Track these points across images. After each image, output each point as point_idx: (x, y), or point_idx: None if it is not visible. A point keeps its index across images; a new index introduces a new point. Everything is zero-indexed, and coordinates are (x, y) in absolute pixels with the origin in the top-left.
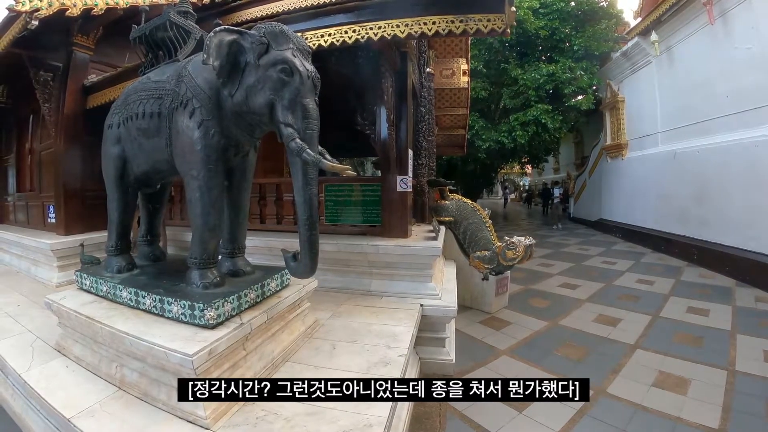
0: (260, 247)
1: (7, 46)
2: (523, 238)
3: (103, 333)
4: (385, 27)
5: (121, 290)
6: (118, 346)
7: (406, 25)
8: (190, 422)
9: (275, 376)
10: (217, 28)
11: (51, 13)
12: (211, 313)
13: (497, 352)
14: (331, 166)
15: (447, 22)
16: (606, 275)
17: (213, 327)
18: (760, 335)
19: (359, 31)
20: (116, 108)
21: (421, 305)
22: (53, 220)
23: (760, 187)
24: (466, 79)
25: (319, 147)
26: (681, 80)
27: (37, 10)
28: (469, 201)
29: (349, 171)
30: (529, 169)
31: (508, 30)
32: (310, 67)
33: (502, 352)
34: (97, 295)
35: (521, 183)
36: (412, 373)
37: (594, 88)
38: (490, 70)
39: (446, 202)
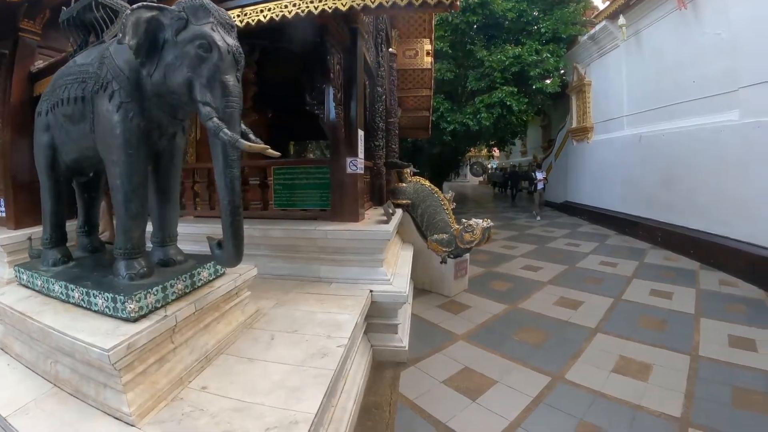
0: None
1: None
2: (481, 221)
3: (35, 329)
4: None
5: (53, 284)
6: (49, 342)
7: None
8: (117, 419)
9: (208, 369)
10: (136, 5)
11: None
12: (132, 306)
13: (454, 337)
14: (248, 146)
15: None
16: (570, 257)
17: (135, 320)
18: (725, 319)
19: (299, 4)
20: (45, 94)
21: (371, 291)
22: (3, 214)
23: (726, 171)
24: (429, 59)
25: (243, 126)
26: (648, 65)
27: None
28: (428, 183)
29: (270, 150)
30: (496, 152)
31: (457, 3)
32: (232, 41)
33: (459, 337)
34: (33, 289)
35: (489, 166)
36: (362, 362)
37: (561, 71)
38: (456, 52)
39: (404, 184)
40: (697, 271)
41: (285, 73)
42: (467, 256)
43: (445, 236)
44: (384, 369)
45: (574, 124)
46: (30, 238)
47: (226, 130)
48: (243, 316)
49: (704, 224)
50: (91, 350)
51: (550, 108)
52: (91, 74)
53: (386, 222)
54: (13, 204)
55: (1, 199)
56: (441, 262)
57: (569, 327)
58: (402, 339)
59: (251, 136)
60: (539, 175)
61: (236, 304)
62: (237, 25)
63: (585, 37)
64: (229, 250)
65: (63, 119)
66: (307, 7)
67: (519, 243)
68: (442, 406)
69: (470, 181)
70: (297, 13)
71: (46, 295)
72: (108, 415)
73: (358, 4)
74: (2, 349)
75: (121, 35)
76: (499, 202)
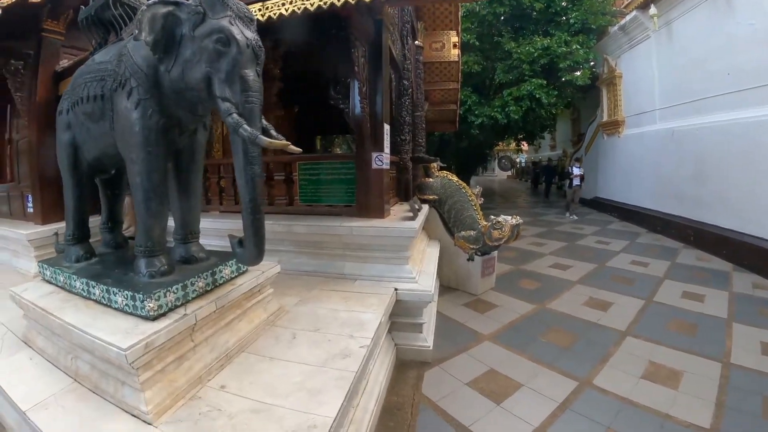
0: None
1: None
2: (510, 218)
3: (56, 325)
4: None
5: (75, 280)
6: (70, 339)
7: None
8: (135, 416)
9: (228, 367)
10: (150, 1)
11: (13, 1)
12: (151, 304)
13: (480, 337)
14: (269, 143)
15: None
16: (599, 256)
17: (154, 319)
18: (758, 325)
19: None
20: (66, 93)
21: (396, 289)
22: (32, 210)
23: (760, 168)
24: (456, 52)
25: (264, 122)
26: (680, 56)
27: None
28: (455, 178)
29: (291, 147)
30: (525, 146)
31: None
32: (252, 35)
33: (485, 337)
34: (56, 285)
35: (518, 160)
36: (385, 361)
37: (592, 63)
38: (484, 44)
39: (431, 180)
40: (730, 272)
41: (311, 68)
42: (495, 253)
43: (472, 233)
44: (407, 369)
45: (605, 118)
46: (56, 233)
47: (246, 126)
48: (265, 313)
49: (737, 223)
50: (109, 349)
51: (580, 101)
52: (109, 72)
53: (412, 218)
54: (40, 200)
55: (29, 196)
56: (468, 260)
57: (598, 329)
58: (426, 338)
59: (272, 131)
60: (576, 171)
61: (259, 301)
62: (258, 20)
63: (615, 27)
64: (250, 248)
65: (83, 117)
66: None
67: (548, 240)
68: (466, 409)
69: (498, 175)
70: (319, 6)
71: (68, 291)
72: (126, 412)
73: None
74: (26, 343)
75: (137, 31)
76: (530, 197)
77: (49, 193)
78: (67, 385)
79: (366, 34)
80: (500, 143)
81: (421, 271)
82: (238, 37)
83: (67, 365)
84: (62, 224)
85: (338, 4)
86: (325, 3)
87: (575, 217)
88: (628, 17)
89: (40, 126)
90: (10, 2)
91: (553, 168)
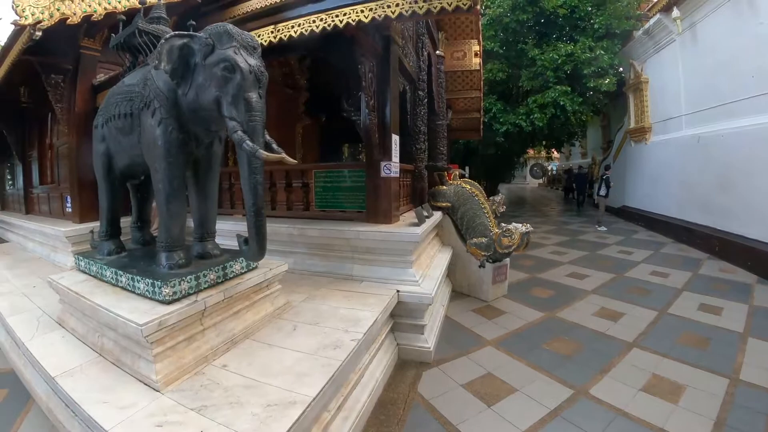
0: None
1: (18, 54)
2: (521, 225)
3: (87, 306)
4: (349, 13)
5: (105, 270)
6: (98, 318)
7: (370, 10)
8: (146, 384)
9: (232, 350)
10: (168, 35)
11: (53, 23)
12: (167, 290)
13: (483, 342)
14: (266, 156)
15: (410, 3)
16: (619, 266)
17: (168, 302)
18: None
19: (326, 19)
20: (100, 110)
21: (398, 291)
22: (70, 210)
23: None
24: (477, 60)
25: (267, 137)
26: (705, 59)
27: (40, 21)
28: (469, 186)
29: (287, 159)
30: (555, 153)
31: (477, 6)
32: (255, 62)
33: (488, 342)
34: (89, 274)
35: (549, 167)
36: (384, 359)
37: (620, 69)
38: (508, 51)
39: (444, 187)
40: (753, 285)
41: (335, 79)
42: (507, 261)
43: (484, 240)
44: (407, 368)
45: (632, 124)
46: (92, 231)
47: (248, 142)
48: (272, 307)
49: (764, 233)
50: (128, 324)
51: (608, 107)
52: (137, 93)
53: (417, 225)
54: (78, 200)
55: (67, 196)
56: (479, 266)
57: (605, 339)
58: (428, 340)
59: (274, 146)
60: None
61: (266, 295)
62: (271, 41)
63: (640, 31)
64: (253, 246)
65: (116, 131)
66: (333, 21)
67: (569, 249)
68: (457, 408)
69: (530, 183)
70: (324, 27)
71: (100, 279)
72: (139, 381)
73: (380, 15)
74: (59, 324)
75: (158, 61)
76: (559, 206)
77: (85, 195)
78: (93, 358)
79: (373, 50)
80: (531, 151)
81: (425, 275)
82: (242, 65)
83: (94, 342)
84: (97, 223)
85: (341, 25)
86: (328, 25)
87: (605, 228)
88: (651, 21)
89: (78, 134)
90: (50, 24)
91: (585, 175)
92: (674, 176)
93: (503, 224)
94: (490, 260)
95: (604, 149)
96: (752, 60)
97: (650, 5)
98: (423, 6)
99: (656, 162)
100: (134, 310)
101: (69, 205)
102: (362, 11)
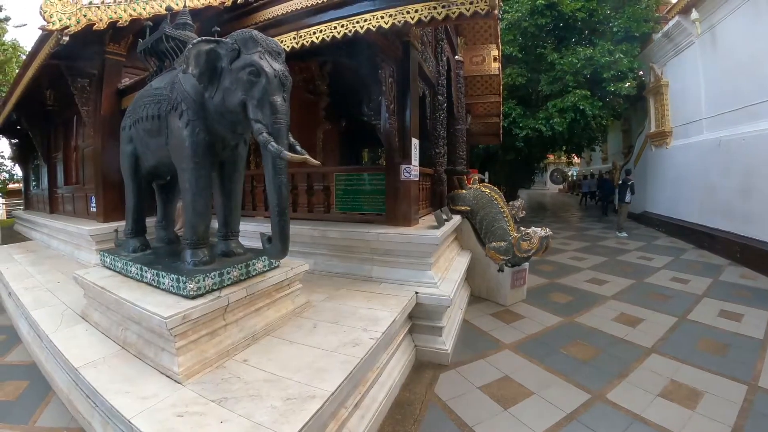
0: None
1: (45, 59)
2: (540, 229)
3: (112, 300)
4: (370, 20)
5: (130, 266)
6: (122, 312)
7: (390, 16)
8: (168, 377)
9: (253, 346)
10: (195, 40)
11: (80, 29)
12: (192, 286)
13: (501, 345)
14: (291, 156)
15: (429, 9)
16: (639, 272)
17: (193, 297)
18: None
19: (346, 25)
20: (128, 112)
21: (416, 293)
22: (94, 209)
23: None
24: (496, 65)
25: (291, 139)
26: (725, 61)
27: (67, 27)
28: (488, 190)
29: (311, 160)
30: (576, 158)
31: (495, 11)
32: (279, 66)
33: (506, 346)
34: (114, 270)
35: (570, 173)
36: (401, 359)
37: (640, 72)
38: (528, 56)
39: (463, 191)
40: None
41: (355, 84)
42: (526, 265)
43: (503, 244)
44: (424, 369)
45: (653, 128)
46: (116, 230)
47: (273, 143)
48: (293, 305)
49: None
50: (153, 317)
51: (629, 111)
52: (164, 96)
53: (436, 228)
54: (102, 200)
55: (92, 196)
56: (498, 271)
57: (623, 345)
58: (445, 342)
59: (297, 147)
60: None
61: (287, 294)
62: (293, 46)
63: (659, 34)
64: (276, 245)
65: (143, 133)
66: (354, 27)
67: (589, 255)
68: (473, 410)
69: (550, 188)
70: (345, 33)
71: (125, 275)
72: (161, 373)
73: (399, 21)
74: (83, 318)
75: (185, 66)
76: (579, 212)
77: (110, 195)
78: (116, 350)
79: (393, 55)
80: (551, 155)
81: (444, 277)
82: (267, 69)
83: (117, 335)
84: (121, 223)
85: (361, 31)
86: (350, 31)
87: (625, 234)
88: (670, 23)
89: (103, 137)
90: (77, 29)
91: (610, 181)
92: (695, 181)
93: (522, 228)
94: (509, 264)
95: (625, 154)
96: None
97: (669, 7)
98: (442, 12)
99: (677, 167)
100: (159, 304)
101: (93, 205)
102: (382, 17)
